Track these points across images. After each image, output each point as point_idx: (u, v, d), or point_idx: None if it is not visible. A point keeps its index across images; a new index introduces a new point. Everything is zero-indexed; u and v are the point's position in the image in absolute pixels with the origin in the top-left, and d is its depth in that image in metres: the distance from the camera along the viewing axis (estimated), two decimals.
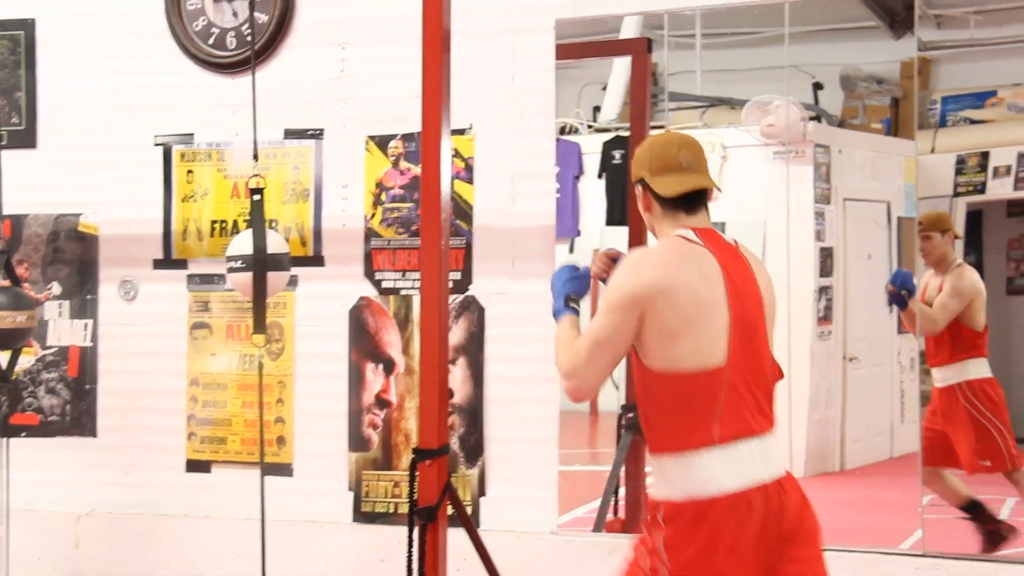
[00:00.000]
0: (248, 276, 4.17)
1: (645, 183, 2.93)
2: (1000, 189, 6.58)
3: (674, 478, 2.79)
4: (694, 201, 2.91)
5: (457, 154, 4.62)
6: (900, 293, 5.10)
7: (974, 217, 6.97)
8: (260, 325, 4.18)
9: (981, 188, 6.65)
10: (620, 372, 5.52)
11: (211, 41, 4.96)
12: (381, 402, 4.76)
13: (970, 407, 4.90)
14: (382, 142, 4.79)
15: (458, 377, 4.63)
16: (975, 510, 4.92)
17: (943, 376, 5.03)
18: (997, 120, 6.73)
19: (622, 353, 2.81)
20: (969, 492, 4.91)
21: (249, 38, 4.76)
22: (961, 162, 6.68)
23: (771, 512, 2.75)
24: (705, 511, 2.73)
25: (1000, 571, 4.13)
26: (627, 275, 2.80)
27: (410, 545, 3.56)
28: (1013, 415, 6.87)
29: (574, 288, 3.04)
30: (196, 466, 4.97)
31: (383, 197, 4.78)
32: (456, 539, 3.76)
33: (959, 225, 6.81)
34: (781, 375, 2.95)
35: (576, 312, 2.99)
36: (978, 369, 5.05)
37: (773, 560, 2.76)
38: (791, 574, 2.77)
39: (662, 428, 2.81)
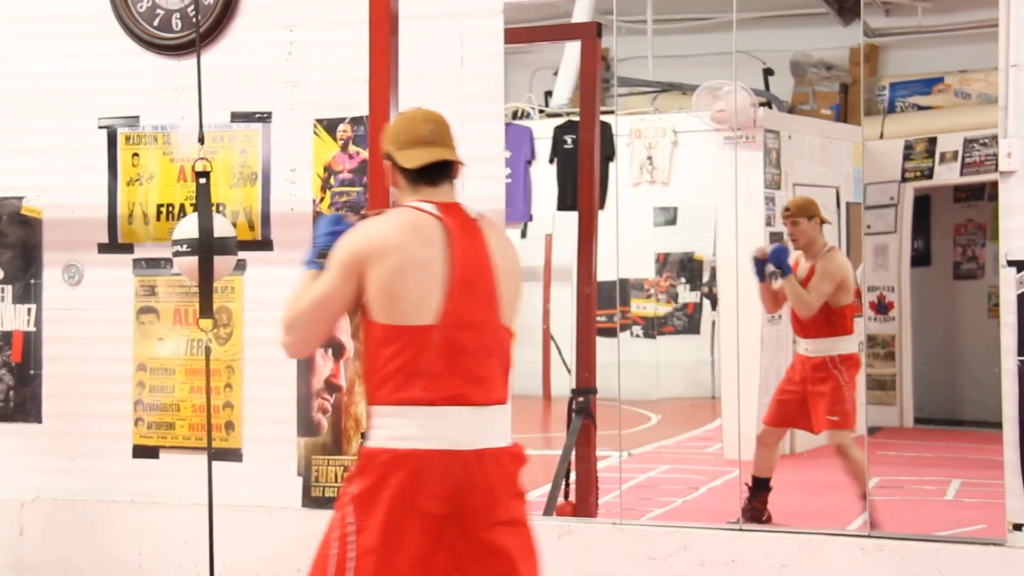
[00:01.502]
0: (194, 260, 4.13)
1: (391, 157, 3.01)
2: (947, 174, 6.65)
3: (379, 427, 2.88)
4: (437, 174, 2.99)
5: None
6: (765, 264, 5.48)
7: (922, 202, 7.05)
8: (207, 310, 4.14)
9: (929, 173, 6.72)
10: (572, 355, 5.54)
11: (156, 23, 4.90)
12: (331, 387, 4.74)
13: (837, 373, 5.25)
14: (330, 126, 4.76)
15: None
16: (763, 487, 5.29)
17: (816, 348, 5.34)
18: (944, 106, 6.80)
19: (340, 311, 2.91)
20: (772, 473, 5.32)
21: (195, 19, 4.71)
22: (909, 148, 6.74)
23: (464, 481, 2.82)
24: (397, 463, 2.81)
25: (943, 550, 4.18)
26: (350, 238, 2.91)
27: None
28: (960, 397, 6.97)
29: (328, 243, 3.03)
30: (143, 452, 4.93)
31: (332, 181, 4.76)
32: None
33: (907, 210, 6.89)
34: (510, 336, 3.01)
35: (322, 267, 3.00)
36: (847, 346, 5.36)
37: (464, 530, 2.83)
38: (475, 553, 2.83)
39: (377, 380, 2.89)
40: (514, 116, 6.48)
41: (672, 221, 6.92)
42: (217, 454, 4.56)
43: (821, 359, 5.30)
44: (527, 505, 2.98)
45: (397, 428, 2.84)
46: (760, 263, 5.50)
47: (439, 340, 2.84)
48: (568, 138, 6.16)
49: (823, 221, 5.45)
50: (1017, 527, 4.08)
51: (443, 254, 2.88)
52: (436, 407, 2.84)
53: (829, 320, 5.33)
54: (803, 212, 5.45)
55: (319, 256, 3.03)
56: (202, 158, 4.17)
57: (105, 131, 4.98)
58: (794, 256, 5.47)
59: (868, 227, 6.54)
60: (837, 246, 5.66)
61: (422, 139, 2.98)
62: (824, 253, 5.40)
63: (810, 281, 5.35)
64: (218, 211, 4.63)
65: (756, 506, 5.25)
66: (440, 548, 2.83)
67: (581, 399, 5.05)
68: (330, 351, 4.75)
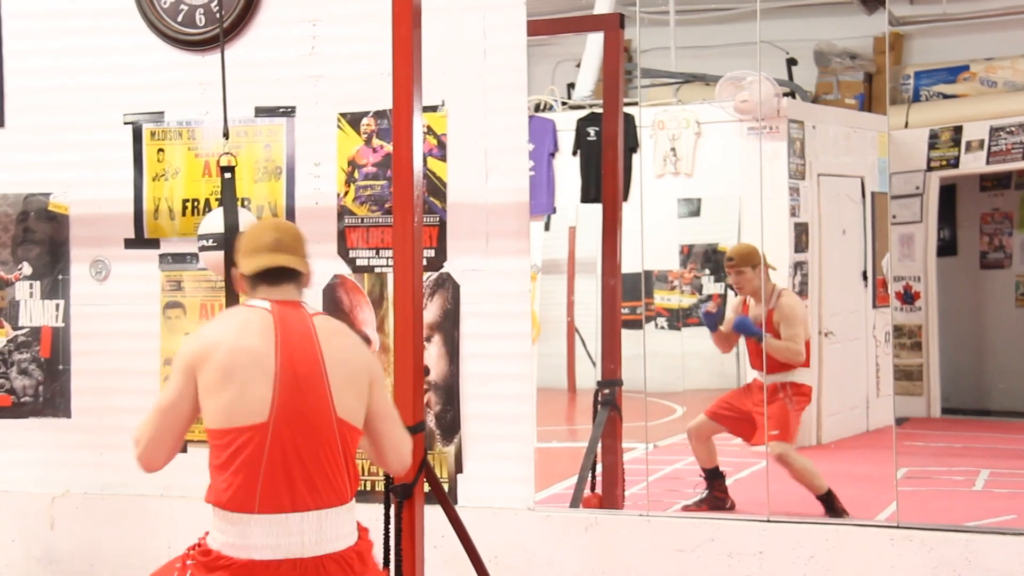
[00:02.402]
0: (220, 255, 4.13)
1: (236, 265, 3.08)
2: (973, 163, 6.62)
3: (216, 529, 2.89)
4: (278, 278, 3.01)
5: (430, 131, 4.61)
6: (716, 317, 5.65)
7: (947, 191, 7.01)
8: (233, 304, 4.15)
9: (954, 162, 6.68)
10: (597, 347, 5.54)
11: (180, 18, 4.92)
12: None
13: (785, 396, 5.28)
14: (354, 120, 4.76)
15: (434, 354, 4.63)
16: (716, 475, 5.35)
17: (772, 379, 5.34)
18: (970, 94, 6.75)
19: (187, 418, 2.90)
20: (716, 461, 5.40)
21: (218, 15, 4.72)
22: (934, 136, 6.71)
23: None
24: (231, 570, 2.82)
25: (973, 541, 4.16)
26: (186, 342, 2.97)
27: (387, 522, 3.57)
28: (988, 387, 6.93)
29: None
30: None
31: (356, 175, 4.77)
32: (433, 516, 3.77)
33: (933, 199, 6.85)
34: (358, 434, 3.01)
35: None
36: (802, 376, 5.39)
37: None
38: None
39: (215, 482, 2.90)
40: (537, 108, 6.46)
41: (696, 212, 6.89)
42: None
43: (773, 384, 5.32)
44: None
45: (234, 536, 2.85)
46: (711, 317, 5.56)
47: (272, 441, 2.83)
48: (591, 130, 6.14)
49: (769, 267, 5.46)
50: None
51: (271, 345, 2.88)
52: (273, 515, 2.83)
53: (780, 361, 5.33)
54: (747, 262, 5.46)
55: None
56: (226, 153, 4.18)
57: (130, 127, 5.00)
58: (739, 299, 5.53)
59: (894, 217, 6.51)
60: (788, 287, 5.67)
61: (265, 246, 3.02)
62: (779, 298, 5.42)
63: (774, 326, 5.35)
64: (243, 206, 4.65)
65: (717, 495, 5.30)
66: None
67: (607, 391, 5.06)
68: None
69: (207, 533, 2.94)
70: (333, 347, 2.96)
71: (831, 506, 5.05)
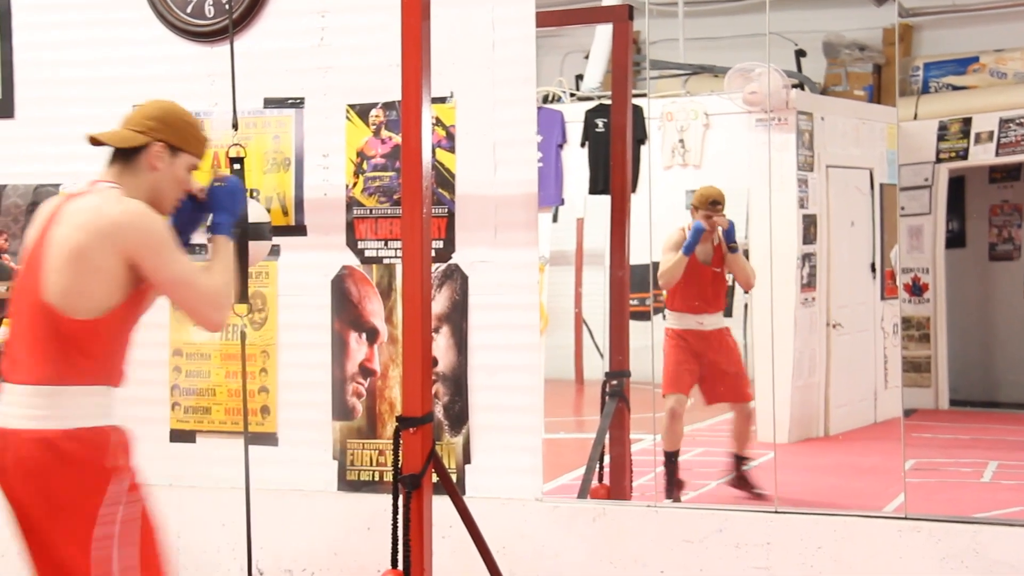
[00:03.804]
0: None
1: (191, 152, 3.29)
2: (982, 155, 6.61)
3: None
4: (114, 156, 3.22)
5: (438, 122, 4.61)
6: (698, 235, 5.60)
7: (956, 183, 7.00)
8: (243, 295, 4.16)
9: (963, 154, 6.67)
10: (605, 339, 5.55)
11: (189, 10, 4.92)
12: (365, 371, 4.77)
13: (737, 347, 5.53)
14: (363, 111, 4.77)
15: (442, 346, 4.64)
16: (676, 459, 5.44)
17: (714, 322, 5.59)
18: (979, 86, 6.75)
19: None
20: (680, 446, 5.50)
21: (227, 6, 4.73)
22: (943, 128, 6.70)
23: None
24: None
25: (980, 532, 4.16)
26: None
27: (395, 513, 3.58)
28: (996, 379, 6.93)
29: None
30: (180, 436, 4.96)
31: (364, 166, 4.77)
32: (441, 507, 3.78)
33: (941, 191, 6.84)
34: (72, 322, 2.95)
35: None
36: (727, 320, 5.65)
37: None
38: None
39: None
40: (545, 100, 6.46)
41: None
42: (253, 438, 4.59)
43: (719, 331, 5.52)
44: (63, 519, 3.01)
45: None
46: (697, 234, 5.54)
47: (10, 322, 3.05)
48: (599, 121, 6.14)
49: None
50: None
51: (36, 232, 3.03)
52: (5, 383, 2.99)
53: (724, 296, 5.58)
54: (724, 200, 5.65)
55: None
56: (236, 144, 4.19)
57: None
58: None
59: (902, 208, 6.50)
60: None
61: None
62: None
63: (727, 259, 5.58)
64: (252, 197, 4.65)
65: (679, 479, 5.36)
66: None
67: (615, 382, 5.06)
68: (364, 335, 4.77)
69: None
70: (68, 227, 2.96)
71: (739, 470, 5.22)
